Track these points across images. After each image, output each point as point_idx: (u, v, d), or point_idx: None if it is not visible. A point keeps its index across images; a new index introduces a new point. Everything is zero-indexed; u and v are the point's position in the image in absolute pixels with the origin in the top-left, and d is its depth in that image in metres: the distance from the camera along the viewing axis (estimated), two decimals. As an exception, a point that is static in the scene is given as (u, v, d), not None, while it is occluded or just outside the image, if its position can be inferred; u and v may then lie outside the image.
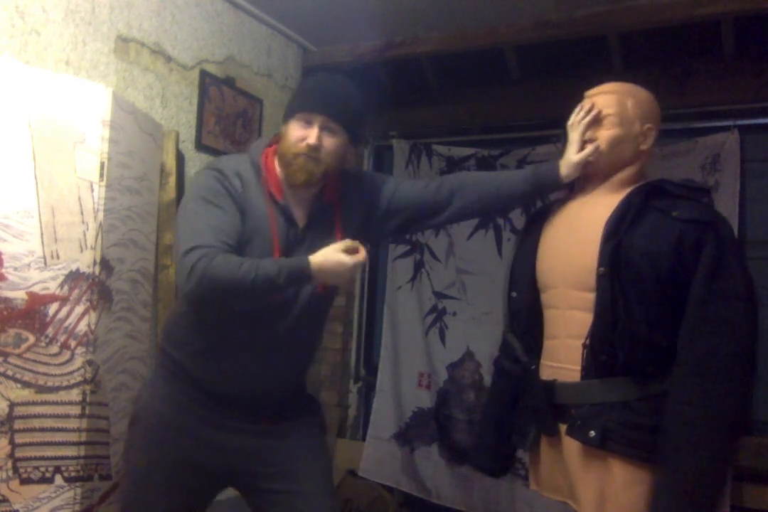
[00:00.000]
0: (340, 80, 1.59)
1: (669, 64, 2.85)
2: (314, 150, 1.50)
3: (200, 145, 2.68)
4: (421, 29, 2.95)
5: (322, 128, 1.51)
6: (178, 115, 2.58)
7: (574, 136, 1.61)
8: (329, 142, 1.52)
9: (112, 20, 2.29)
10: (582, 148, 1.59)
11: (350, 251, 1.42)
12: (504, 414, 1.72)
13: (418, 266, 3.38)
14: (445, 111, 3.38)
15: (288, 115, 1.56)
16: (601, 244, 1.48)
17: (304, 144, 1.50)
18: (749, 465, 2.49)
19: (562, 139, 3.00)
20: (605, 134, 1.57)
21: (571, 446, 1.51)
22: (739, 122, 2.73)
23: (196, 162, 2.67)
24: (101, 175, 1.91)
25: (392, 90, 3.43)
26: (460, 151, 3.33)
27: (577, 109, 1.63)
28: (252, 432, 1.56)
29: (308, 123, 1.51)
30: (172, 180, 2.44)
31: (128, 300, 2.10)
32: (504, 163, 3.21)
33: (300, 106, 1.54)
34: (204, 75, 2.68)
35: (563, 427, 1.53)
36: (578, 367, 1.51)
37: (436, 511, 3.14)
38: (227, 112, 2.81)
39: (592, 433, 1.44)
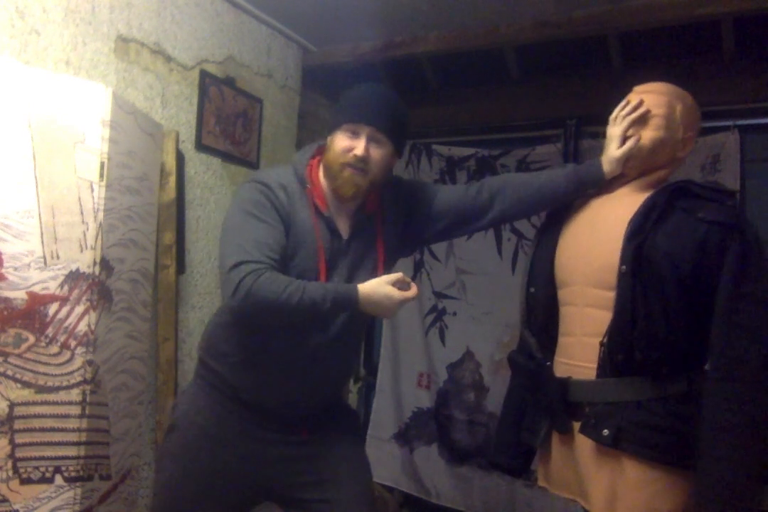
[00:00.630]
0: (384, 91, 1.59)
1: (669, 64, 2.85)
2: (361, 161, 1.49)
3: (200, 145, 2.68)
4: (421, 29, 2.95)
5: (369, 139, 1.50)
6: (178, 115, 2.58)
7: (616, 130, 1.58)
8: (376, 153, 1.51)
9: (112, 20, 2.29)
10: (623, 144, 1.57)
11: (398, 284, 1.44)
12: (523, 411, 1.71)
13: (418, 266, 3.38)
14: (445, 111, 3.38)
15: (334, 126, 1.55)
16: (623, 243, 1.47)
17: (351, 155, 1.49)
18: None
19: (561, 139, 3.03)
20: (650, 135, 1.55)
21: (583, 444, 1.50)
22: (739, 122, 2.72)
23: (196, 162, 2.67)
24: (101, 175, 1.91)
25: (392, 90, 3.43)
26: (460, 151, 3.33)
27: (623, 103, 1.60)
28: (290, 442, 1.57)
29: (355, 134, 1.51)
30: (172, 180, 2.44)
31: (128, 300, 2.09)
32: (504, 163, 3.21)
33: (347, 117, 1.52)
34: (204, 75, 2.68)
35: (576, 425, 1.52)
36: (594, 365, 1.50)
37: (436, 511, 3.14)
38: (227, 112, 2.81)
39: (606, 432, 1.43)
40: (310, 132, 3.43)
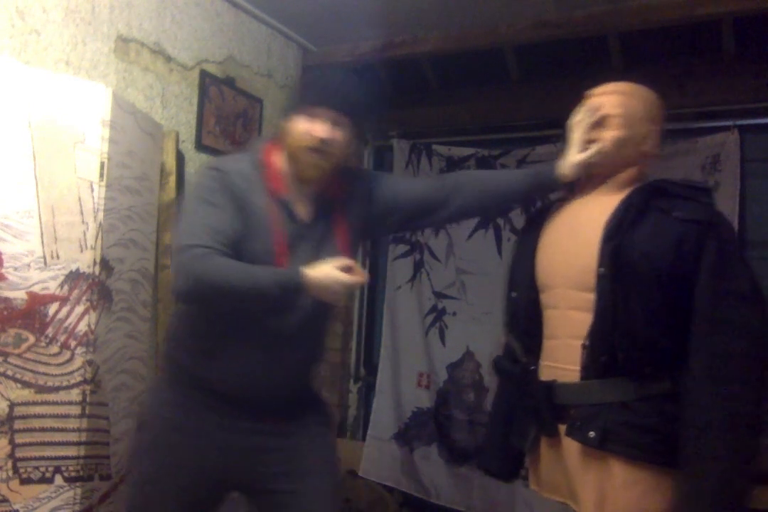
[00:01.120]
0: (345, 75, 1.59)
1: (669, 64, 2.85)
2: (325, 144, 1.49)
3: (200, 145, 2.68)
4: (421, 29, 2.96)
5: (332, 123, 1.50)
6: (178, 115, 2.58)
7: (575, 136, 1.60)
8: (339, 136, 1.52)
9: (112, 20, 2.29)
10: (584, 149, 1.58)
11: (347, 270, 1.42)
12: (511, 416, 1.72)
13: (418, 266, 3.38)
14: (445, 111, 3.38)
15: (294, 110, 1.55)
16: (601, 245, 1.47)
17: (314, 138, 1.49)
18: (749, 465, 2.49)
19: (562, 139, 3.02)
20: (610, 135, 1.55)
21: (570, 446, 1.51)
22: (739, 122, 2.73)
23: (196, 162, 2.67)
24: (101, 175, 1.91)
25: (392, 90, 3.43)
26: (460, 151, 3.33)
27: (579, 109, 1.62)
28: (260, 432, 1.56)
29: (317, 117, 1.50)
30: (172, 180, 2.44)
31: (128, 300, 2.09)
32: (504, 163, 3.21)
33: (309, 100, 1.53)
34: (204, 75, 2.68)
35: (563, 428, 1.53)
36: (578, 368, 1.50)
37: (436, 511, 3.14)
38: (227, 112, 2.81)
39: (592, 434, 1.44)
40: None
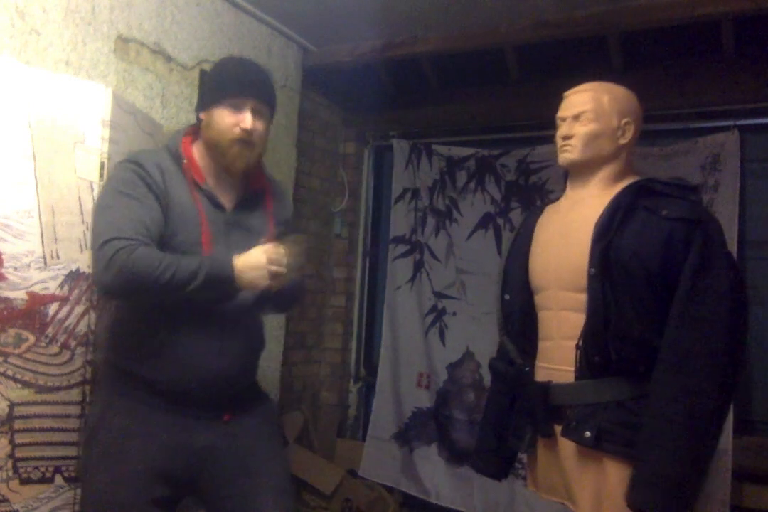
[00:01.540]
0: (254, 62, 1.62)
1: (669, 64, 2.86)
2: (249, 134, 1.51)
3: (200, 145, 2.68)
4: (421, 29, 2.96)
5: (254, 112, 1.52)
6: (178, 115, 2.58)
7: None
8: (260, 125, 1.55)
9: (112, 20, 2.29)
10: (562, 146, 1.62)
11: (275, 253, 1.44)
12: (504, 416, 1.72)
13: (418, 266, 3.38)
14: (445, 111, 3.38)
15: (213, 101, 1.55)
16: (591, 245, 1.48)
17: (238, 129, 1.51)
18: (749, 465, 2.50)
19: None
20: (582, 130, 1.57)
21: (566, 447, 1.51)
22: (739, 122, 2.73)
23: (196, 162, 2.67)
24: (101, 175, 1.91)
25: (392, 90, 3.43)
26: (460, 151, 3.33)
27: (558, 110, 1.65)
28: (212, 428, 1.56)
29: (238, 107, 1.52)
30: (172, 180, 2.44)
31: (128, 300, 2.09)
32: (504, 163, 3.22)
33: (228, 91, 1.53)
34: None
35: (559, 428, 1.53)
36: (572, 368, 1.51)
37: (436, 511, 3.14)
38: (227, 112, 2.80)
39: (587, 434, 1.44)
40: (310, 132, 3.44)
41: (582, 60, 2.93)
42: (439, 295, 3.32)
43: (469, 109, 3.31)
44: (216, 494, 1.58)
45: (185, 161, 1.54)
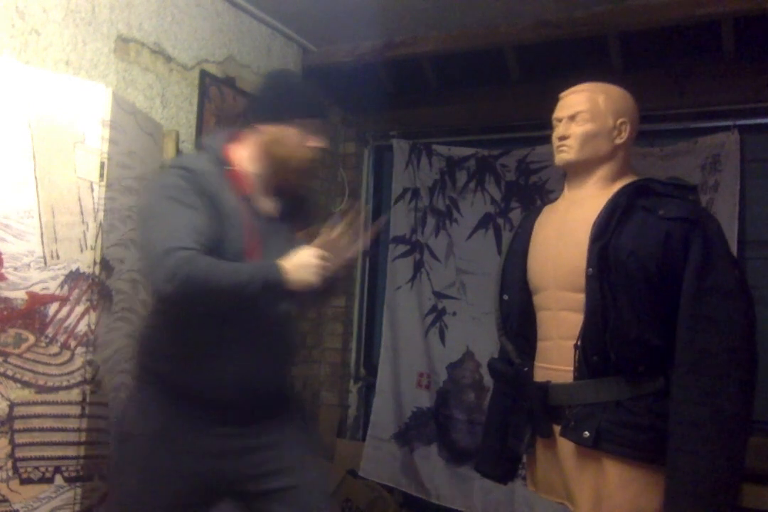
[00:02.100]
0: (309, 82, 1.69)
1: (669, 64, 2.86)
2: (322, 154, 1.58)
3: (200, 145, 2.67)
4: (421, 29, 2.96)
5: (322, 132, 1.56)
6: (178, 115, 2.58)
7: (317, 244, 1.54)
8: (328, 144, 1.60)
9: (112, 20, 2.29)
10: (558, 146, 1.62)
11: (320, 253, 1.47)
12: (507, 418, 1.72)
13: (418, 266, 3.38)
14: (445, 111, 3.38)
15: (284, 119, 1.55)
16: (589, 245, 1.48)
17: (313, 149, 1.55)
18: (749, 465, 2.49)
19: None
20: (578, 130, 1.58)
21: (565, 447, 1.51)
22: (739, 122, 2.73)
23: (196, 162, 2.67)
24: (101, 175, 1.91)
25: (392, 90, 3.43)
26: (460, 151, 3.33)
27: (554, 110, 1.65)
28: (244, 433, 1.56)
29: (312, 128, 1.55)
30: (172, 180, 2.44)
31: (128, 300, 2.09)
32: (504, 163, 3.22)
33: (305, 111, 1.57)
34: (204, 75, 2.68)
35: (558, 428, 1.53)
36: (571, 368, 1.51)
37: (436, 511, 3.14)
38: (227, 112, 2.80)
39: (586, 434, 1.44)
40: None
41: (582, 60, 2.93)
42: (439, 295, 3.32)
43: (469, 109, 3.31)
44: (254, 491, 1.58)
45: (230, 168, 1.54)
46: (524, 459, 1.74)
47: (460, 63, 3.19)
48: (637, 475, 1.43)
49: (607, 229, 1.47)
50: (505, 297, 1.70)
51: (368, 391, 3.56)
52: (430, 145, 3.40)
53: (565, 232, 1.58)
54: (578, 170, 1.61)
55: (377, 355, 3.47)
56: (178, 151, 2.51)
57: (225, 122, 2.79)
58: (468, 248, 3.25)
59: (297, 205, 1.65)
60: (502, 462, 1.74)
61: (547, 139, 3.13)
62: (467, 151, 3.31)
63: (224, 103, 2.79)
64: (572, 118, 1.59)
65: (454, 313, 3.27)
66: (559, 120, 1.63)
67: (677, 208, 1.46)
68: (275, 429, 1.59)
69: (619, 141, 1.59)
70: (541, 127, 3.10)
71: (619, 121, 1.58)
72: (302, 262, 1.44)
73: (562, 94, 1.66)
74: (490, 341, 3.12)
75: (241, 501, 1.63)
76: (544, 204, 1.78)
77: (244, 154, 1.59)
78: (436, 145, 3.39)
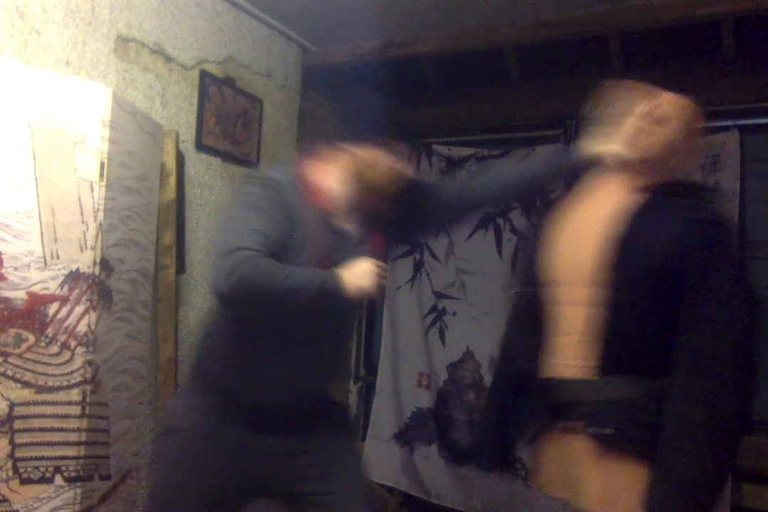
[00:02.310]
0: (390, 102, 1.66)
1: (669, 64, 2.85)
2: (402, 175, 1.55)
3: (200, 145, 2.68)
4: (421, 29, 2.95)
5: (407, 155, 1.58)
6: (178, 115, 2.58)
7: (631, 124, 1.58)
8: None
9: (112, 20, 2.29)
10: (633, 139, 1.58)
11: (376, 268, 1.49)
12: (505, 409, 1.72)
13: (418, 266, 3.38)
14: (445, 111, 3.38)
15: (368, 138, 1.56)
16: (606, 242, 1.48)
17: (396, 172, 1.55)
18: (749, 465, 2.49)
19: (561, 139, 3.02)
20: (665, 134, 1.56)
21: (575, 443, 1.50)
22: (739, 122, 2.73)
23: (196, 162, 2.67)
24: (101, 175, 1.91)
25: (392, 90, 3.43)
26: (460, 151, 3.33)
27: (646, 102, 1.61)
28: (286, 439, 1.58)
29: (391, 147, 1.55)
30: (172, 180, 2.44)
31: (128, 300, 2.09)
32: (504, 163, 3.21)
33: (385, 131, 1.57)
34: (204, 75, 2.68)
35: (565, 424, 1.53)
36: (582, 364, 1.50)
37: (436, 511, 3.14)
38: (227, 112, 2.80)
39: (596, 430, 1.44)
40: (310, 132, 3.43)
41: (582, 60, 2.93)
42: (439, 295, 3.31)
43: (469, 109, 3.30)
44: (295, 493, 1.60)
45: (311, 185, 1.56)
46: (524, 458, 1.73)
47: (460, 63, 3.19)
48: (646, 474, 1.42)
49: (627, 227, 1.47)
50: (518, 289, 1.70)
51: (368, 391, 3.56)
52: (430, 145, 3.40)
53: (583, 226, 1.58)
54: (621, 168, 1.59)
55: (377, 355, 3.47)
56: (178, 151, 2.51)
57: (225, 122, 2.79)
58: (468, 248, 3.25)
59: (374, 227, 1.63)
60: (499, 452, 1.74)
61: (547, 139, 3.15)
62: (467, 151, 3.30)
63: (224, 103, 2.79)
64: (667, 119, 1.57)
65: (454, 313, 3.27)
66: (648, 116, 1.59)
67: (696, 209, 1.47)
68: (318, 436, 1.61)
69: (673, 162, 1.58)
70: (541, 127, 3.12)
71: (687, 147, 1.59)
72: (359, 271, 1.46)
73: (668, 94, 1.63)
74: (490, 341, 3.12)
75: (279, 501, 1.65)
76: (560, 198, 1.77)
77: (328, 172, 1.60)
78: (436, 145, 3.39)
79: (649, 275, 1.44)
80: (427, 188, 1.75)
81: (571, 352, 1.54)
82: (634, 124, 1.59)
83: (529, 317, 1.66)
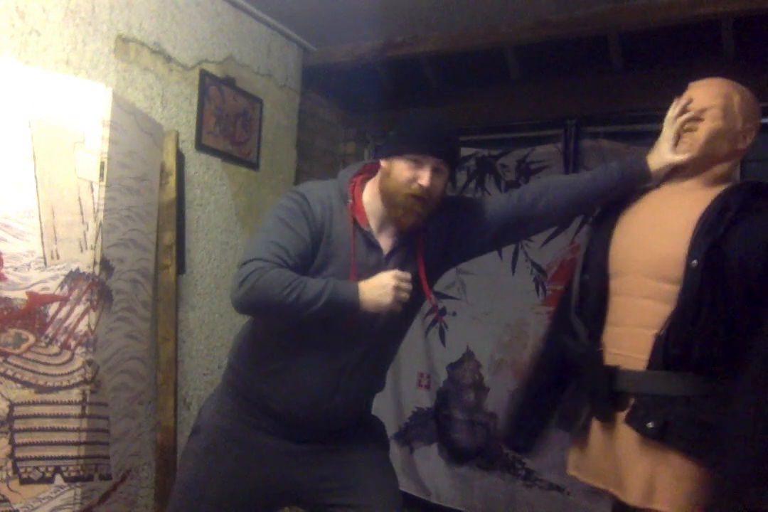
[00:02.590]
0: (445, 120, 1.58)
1: (669, 64, 2.85)
2: (426, 192, 1.50)
3: (200, 145, 2.68)
4: (421, 29, 2.95)
5: (434, 170, 1.51)
6: (178, 115, 2.58)
7: (668, 132, 1.60)
8: (438, 183, 1.53)
9: (112, 20, 2.29)
10: (676, 144, 1.58)
11: (402, 276, 1.46)
12: (548, 392, 1.71)
13: (418, 266, 3.37)
14: (445, 111, 3.37)
15: (396, 152, 1.54)
16: (694, 238, 1.46)
17: (416, 185, 1.50)
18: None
19: (561, 139, 3.02)
20: (707, 126, 1.55)
21: (625, 434, 1.49)
22: (739, 122, 2.72)
23: (196, 162, 2.67)
24: (101, 175, 1.91)
25: (392, 90, 3.43)
26: (460, 151, 3.32)
27: (673, 104, 1.61)
28: (315, 450, 1.58)
29: (419, 163, 1.51)
30: (172, 180, 2.44)
31: (128, 300, 2.09)
32: (504, 163, 3.21)
33: (412, 146, 1.51)
34: (204, 75, 2.68)
35: (619, 415, 1.52)
36: (643, 356, 1.49)
37: (436, 511, 3.14)
38: (227, 112, 2.80)
39: (651, 424, 1.43)
40: (310, 132, 3.44)
41: (582, 60, 2.93)
42: (439, 295, 3.31)
43: (469, 109, 3.30)
44: (322, 503, 1.59)
45: (350, 201, 1.56)
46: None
47: (460, 63, 3.19)
48: (694, 472, 1.42)
49: (719, 227, 1.45)
50: (586, 277, 1.67)
51: (368, 391, 3.56)
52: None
53: (662, 220, 1.56)
54: (690, 165, 1.58)
55: (377, 355, 3.47)
56: (178, 151, 2.51)
57: (225, 122, 2.79)
58: (468, 248, 3.24)
59: (414, 239, 1.60)
60: (531, 434, 1.73)
61: (547, 139, 3.15)
62: (467, 151, 3.30)
63: (224, 103, 2.79)
64: (702, 111, 1.55)
65: (454, 313, 3.27)
66: (687, 110, 1.58)
67: None
68: (349, 449, 1.60)
69: (741, 146, 1.57)
70: (541, 127, 3.12)
71: (747, 126, 1.56)
72: (379, 283, 1.45)
73: (695, 84, 1.62)
74: (490, 341, 3.12)
75: (304, 508, 1.66)
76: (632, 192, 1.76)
77: (368, 188, 1.60)
78: (436, 145, 3.38)
79: (740, 279, 1.43)
80: (486, 204, 1.68)
81: (633, 344, 1.52)
82: (669, 134, 1.60)
83: (596, 305, 1.64)
